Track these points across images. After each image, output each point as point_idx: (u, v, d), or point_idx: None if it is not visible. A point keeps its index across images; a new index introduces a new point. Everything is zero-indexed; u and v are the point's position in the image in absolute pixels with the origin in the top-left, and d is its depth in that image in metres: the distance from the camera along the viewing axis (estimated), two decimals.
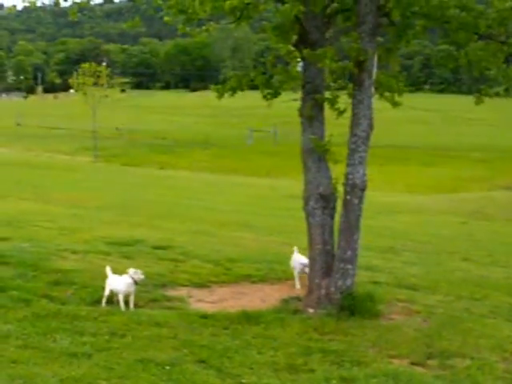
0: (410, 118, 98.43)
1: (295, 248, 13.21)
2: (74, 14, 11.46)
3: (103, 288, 11.24)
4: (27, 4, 10.84)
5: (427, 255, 18.58)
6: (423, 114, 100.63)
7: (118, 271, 11.45)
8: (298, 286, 12.78)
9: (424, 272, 15.60)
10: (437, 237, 22.99)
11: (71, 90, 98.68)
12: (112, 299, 11.14)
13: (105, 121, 79.24)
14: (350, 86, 11.36)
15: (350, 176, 11.13)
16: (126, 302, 10.98)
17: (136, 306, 11.19)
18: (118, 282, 11.09)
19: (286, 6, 10.23)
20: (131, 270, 11.16)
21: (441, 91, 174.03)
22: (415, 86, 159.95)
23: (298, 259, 12.90)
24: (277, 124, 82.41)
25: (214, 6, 10.29)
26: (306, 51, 10.75)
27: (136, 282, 11.08)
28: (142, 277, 11.19)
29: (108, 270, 11.40)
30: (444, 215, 31.14)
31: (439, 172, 53.63)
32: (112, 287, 11.15)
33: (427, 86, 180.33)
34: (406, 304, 12.16)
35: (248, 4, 10.95)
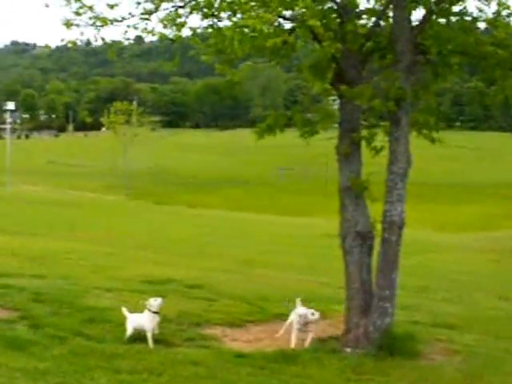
0: (441, 155, 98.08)
1: (298, 300, 11.98)
2: (113, 54, 11.56)
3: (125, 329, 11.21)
4: (69, 45, 10.94)
5: (462, 294, 18.40)
6: (454, 151, 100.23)
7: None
8: (293, 344, 11.27)
9: (460, 311, 15.45)
10: (470, 275, 22.79)
11: (103, 129, 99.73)
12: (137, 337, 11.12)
13: (135, 159, 79.88)
14: (387, 123, 11.34)
15: (388, 213, 11.06)
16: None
17: (172, 344, 11.15)
18: (142, 320, 11.09)
19: (325, 44, 10.25)
20: (151, 301, 11.14)
21: (472, 128, 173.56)
22: (446, 123, 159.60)
23: (298, 311, 11.62)
24: (306, 163, 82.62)
25: (253, 45, 10.34)
26: (344, 88, 10.75)
27: (158, 312, 11.07)
28: (159, 301, 11.13)
29: (124, 310, 11.38)
30: (477, 253, 30.87)
31: (471, 209, 53.26)
32: (136, 325, 11.13)
33: (458, 124, 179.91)
34: (445, 344, 11.98)
35: (285, 43, 11.03)
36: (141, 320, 11.05)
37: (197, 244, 29.95)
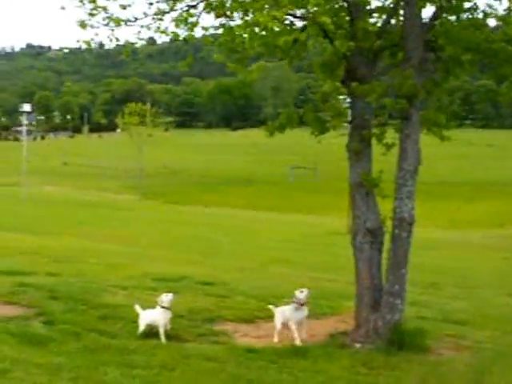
0: (451, 153, 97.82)
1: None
2: (127, 53, 11.63)
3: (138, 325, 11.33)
4: (84, 45, 11.00)
5: (471, 290, 18.33)
6: (465, 149, 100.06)
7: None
8: (298, 339, 11.26)
9: (470, 307, 15.36)
10: (480, 272, 22.69)
11: (118, 130, 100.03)
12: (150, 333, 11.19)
13: (149, 159, 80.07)
14: (397, 121, 11.32)
15: (398, 210, 11.05)
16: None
17: (184, 340, 11.21)
18: (155, 316, 11.16)
19: (336, 43, 10.26)
20: (162, 297, 11.21)
21: (482, 126, 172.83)
22: (456, 121, 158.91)
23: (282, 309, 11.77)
24: (317, 161, 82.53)
25: (264, 42, 10.37)
26: (354, 85, 10.74)
27: (169, 308, 11.15)
28: (170, 297, 11.22)
29: (137, 307, 11.47)
30: (487, 250, 30.76)
31: (482, 207, 53.04)
32: (148, 321, 11.20)
33: (468, 122, 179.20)
34: (455, 339, 11.94)
35: (296, 41, 11.04)
36: (153, 316, 11.14)
37: (210, 242, 30.01)
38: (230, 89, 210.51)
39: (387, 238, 11.40)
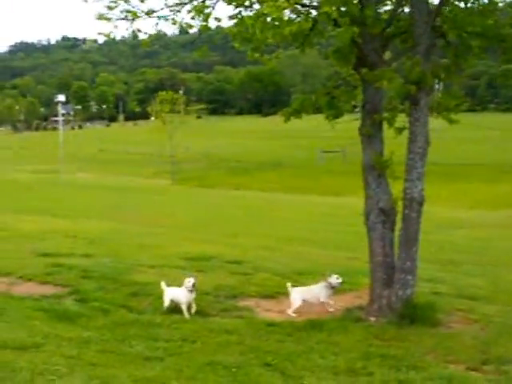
0: (474, 136, 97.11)
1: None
2: (146, 44, 11.83)
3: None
4: (105, 38, 11.27)
5: (487, 267, 18.36)
6: (487, 133, 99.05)
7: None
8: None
9: (484, 283, 15.45)
10: (498, 250, 22.65)
11: (152, 118, 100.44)
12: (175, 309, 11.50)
13: (182, 145, 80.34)
14: (407, 105, 11.44)
15: (408, 191, 11.20)
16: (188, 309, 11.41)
17: (208, 315, 11.50)
18: (178, 293, 11.48)
19: (342, 29, 10.39)
20: (186, 281, 11.51)
21: (506, 110, 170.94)
22: (481, 105, 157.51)
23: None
24: (346, 145, 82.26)
25: (275, 32, 10.53)
26: (364, 71, 10.88)
27: (192, 290, 11.41)
28: (192, 281, 11.47)
29: (163, 284, 11.77)
30: (505, 229, 30.60)
31: (504, 188, 52.58)
32: (172, 298, 11.52)
33: (493, 106, 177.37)
34: (465, 313, 12.09)
35: (311, 29, 11.19)
36: (176, 293, 11.44)
37: (240, 224, 30.19)
38: (261, 76, 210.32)
39: (399, 218, 11.57)
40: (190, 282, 11.47)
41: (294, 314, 11.83)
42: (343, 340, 9.99)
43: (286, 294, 13.10)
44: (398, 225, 11.63)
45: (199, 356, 8.70)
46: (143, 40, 11.70)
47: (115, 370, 7.84)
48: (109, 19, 10.70)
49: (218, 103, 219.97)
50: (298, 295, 12.04)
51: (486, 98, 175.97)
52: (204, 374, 7.94)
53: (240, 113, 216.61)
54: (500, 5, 11.76)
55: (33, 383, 7.23)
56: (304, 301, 12.00)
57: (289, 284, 12.24)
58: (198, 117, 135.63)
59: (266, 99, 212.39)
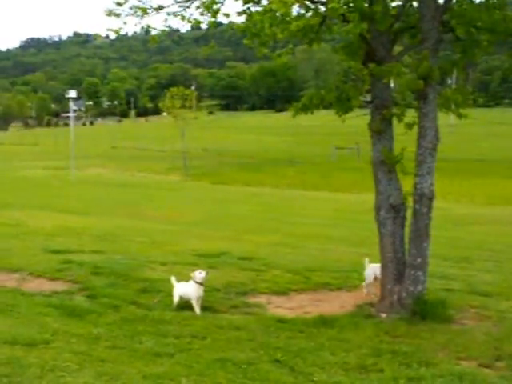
0: (488, 132, 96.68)
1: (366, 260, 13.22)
2: (154, 40, 11.88)
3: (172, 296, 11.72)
4: (114, 34, 11.34)
5: (501, 264, 18.32)
6: (502, 129, 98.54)
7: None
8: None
9: (497, 279, 15.41)
10: (511, 246, 22.59)
11: (163, 114, 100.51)
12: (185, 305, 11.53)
13: (194, 141, 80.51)
14: (416, 101, 11.45)
15: (419, 186, 11.21)
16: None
17: (218, 311, 11.55)
18: (187, 289, 11.49)
19: (351, 25, 10.41)
20: (196, 273, 11.54)
21: None
22: (494, 101, 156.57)
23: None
24: (359, 141, 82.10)
25: (284, 27, 10.56)
26: (372, 66, 10.90)
27: (202, 284, 11.44)
28: (203, 274, 11.50)
29: (173, 279, 11.80)
30: None
31: None
32: (182, 294, 11.55)
33: (507, 101, 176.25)
34: (478, 310, 12.09)
35: (320, 25, 11.21)
36: (186, 289, 11.47)
37: (252, 220, 30.27)
38: (274, 72, 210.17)
39: (410, 214, 11.59)
40: (201, 273, 11.50)
41: (365, 290, 12.84)
42: (354, 337, 10.01)
43: (298, 291, 13.23)
44: (409, 220, 11.65)
45: (209, 352, 8.75)
46: (151, 37, 11.75)
47: (125, 367, 7.90)
48: (118, 15, 10.77)
49: (231, 99, 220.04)
50: (371, 271, 12.71)
51: (500, 93, 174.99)
52: (214, 371, 7.99)
53: (252, 108, 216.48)
54: None
55: (42, 379, 7.30)
56: (376, 278, 12.57)
57: (367, 259, 12.94)
58: (210, 112, 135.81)
59: (279, 95, 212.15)
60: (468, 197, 44.02)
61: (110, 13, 10.77)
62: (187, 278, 11.84)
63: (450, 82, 16.33)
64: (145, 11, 10.80)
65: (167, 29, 11.51)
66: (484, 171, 61.78)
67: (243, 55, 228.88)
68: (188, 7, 10.86)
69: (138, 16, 10.84)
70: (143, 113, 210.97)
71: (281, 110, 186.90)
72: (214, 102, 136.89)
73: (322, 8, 11.08)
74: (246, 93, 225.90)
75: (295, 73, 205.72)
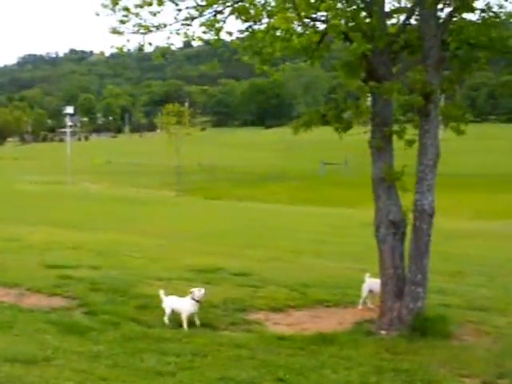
0: (476, 147, 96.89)
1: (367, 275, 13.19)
2: (159, 58, 11.73)
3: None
4: (116, 50, 11.13)
5: (496, 278, 18.14)
6: (489, 144, 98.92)
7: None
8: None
9: (494, 295, 15.25)
10: (505, 261, 22.43)
11: (157, 130, 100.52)
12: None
13: (187, 157, 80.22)
14: (417, 117, 11.28)
15: (419, 203, 11.05)
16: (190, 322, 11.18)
17: (217, 328, 11.30)
18: (180, 303, 11.28)
19: (354, 44, 10.24)
20: (196, 290, 11.30)
21: (506, 121, 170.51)
22: (481, 116, 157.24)
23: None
24: (348, 156, 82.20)
25: (284, 45, 10.41)
26: (373, 84, 10.74)
27: (198, 301, 11.22)
28: (202, 292, 11.31)
29: (161, 293, 11.62)
30: (508, 239, 30.32)
31: (506, 198, 52.37)
32: (175, 308, 11.34)
33: (493, 117, 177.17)
34: (476, 325, 11.91)
35: (319, 43, 11.04)
36: (178, 304, 11.24)
37: (246, 236, 30.00)
38: (263, 89, 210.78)
39: (409, 230, 11.39)
40: (200, 291, 11.28)
41: (360, 306, 12.98)
42: (355, 354, 9.80)
43: (296, 307, 13.02)
44: (408, 237, 11.45)
45: (211, 371, 8.53)
46: (156, 54, 11.64)
47: None
48: (121, 33, 10.61)
49: (222, 115, 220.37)
50: (367, 286, 12.90)
51: (486, 109, 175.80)
52: None
53: (244, 124, 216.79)
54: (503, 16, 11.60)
55: None
56: (371, 292, 12.81)
57: (367, 274, 13.05)
58: (203, 129, 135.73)
59: (269, 111, 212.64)
60: (457, 211, 43.87)
61: (114, 30, 10.60)
62: (184, 294, 11.59)
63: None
64: (148, 29, 10.63)
65: (169, 45, 11.34)
66: (471, 186, 61.85)
67: (234, 72, 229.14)
68: (190, 25, 10.69)
69: (141, 34, 10.69)
70: (137, 128, 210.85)
71: (270, 126, 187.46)
72: (205, 119, 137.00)
73: (321, 26, 10.95)
74: (238, 109, 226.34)
75: (284, 90, 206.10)
